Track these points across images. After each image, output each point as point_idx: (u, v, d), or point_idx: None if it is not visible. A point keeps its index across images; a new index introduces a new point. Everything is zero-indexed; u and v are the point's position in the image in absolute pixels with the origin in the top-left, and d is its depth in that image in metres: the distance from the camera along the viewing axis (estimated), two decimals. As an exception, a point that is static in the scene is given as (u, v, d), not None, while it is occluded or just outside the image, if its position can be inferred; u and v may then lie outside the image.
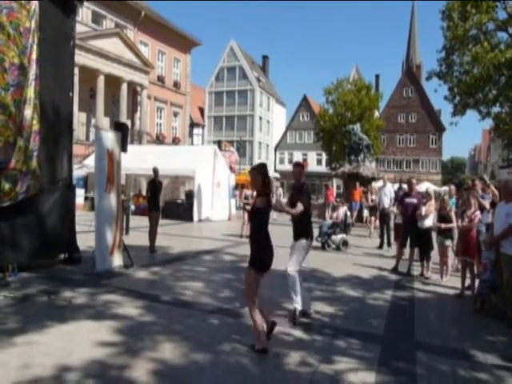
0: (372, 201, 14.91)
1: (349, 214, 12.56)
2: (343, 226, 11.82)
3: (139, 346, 4.18)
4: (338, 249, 11.31)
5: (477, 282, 6.54)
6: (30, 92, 6.46)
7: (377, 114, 44.64)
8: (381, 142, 45.05)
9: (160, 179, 10.40)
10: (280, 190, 13.53)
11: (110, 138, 7.55)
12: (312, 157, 59.64)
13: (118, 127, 8.14)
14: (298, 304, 5.16)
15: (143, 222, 12.61)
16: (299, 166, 5.58)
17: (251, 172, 4.43)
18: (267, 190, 4.30)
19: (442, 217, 7.78)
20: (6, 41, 6.13)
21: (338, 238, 11.45)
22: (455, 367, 4.02)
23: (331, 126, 39.21)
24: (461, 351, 4.47)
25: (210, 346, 4.26)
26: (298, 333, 4.77)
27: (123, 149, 7.88)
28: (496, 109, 19.53)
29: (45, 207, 7.10)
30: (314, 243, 11.47)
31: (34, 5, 6.58)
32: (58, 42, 7.47)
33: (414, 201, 8.60)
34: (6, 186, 6.19)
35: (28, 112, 6.43)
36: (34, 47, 6.55)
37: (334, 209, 13.86)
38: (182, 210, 18.44)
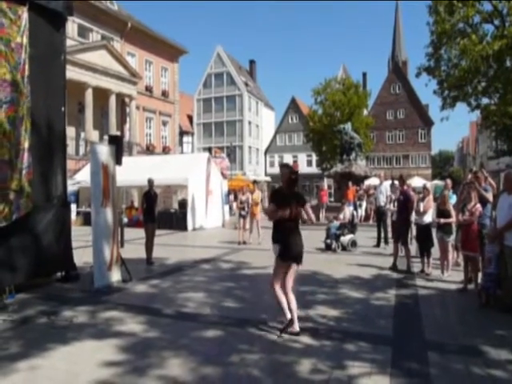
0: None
1: (355, 213, 12.53)
2: (350, 227, 11.80)
3: (146, 363, 4.07)
4: (344, 249, 11.33)
5: (480, 275, 6.54)
6: (24, 109, 6.34)
7: (365, 112, 44.87)
8: (370, 139, 45.24)
9: (155, 190, 10.29)
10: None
11: (104, 151, 7.42)
12: (302, 158, 59.72)
13: (112, 140, 8.02)
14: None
15: (137, 234, 12.51)
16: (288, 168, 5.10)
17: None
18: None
19: (441, 212, 7.76)
20: None
21: (347, 238, 11.45)
22: (469, 365, 3.96)
23: (321, 127, 39.34)
24: (472, 348, 4.42)
25: (218, 359, 4.16)
26: (305, 339, 4.68)
27: (118, 162, 7.76)
28: (485, 100, 19.71)
29: (40, 226, 6.95)
30: (315, 245, 11.64)
31: (25, 20, 6.46)
32: (48, 57, 7.33)
33: (401, 197, 8.66)
34: (1, 206, 6.06)
35: (22, 130, 6.32)
36: (27, 63, 6.44)
37: (332, 209, 13.82)
38: (176, 220, 18.32)
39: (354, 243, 11.52)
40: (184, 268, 9.20)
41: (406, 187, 8.88)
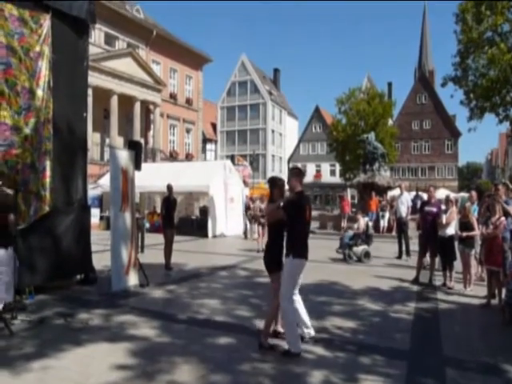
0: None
1: (370, 224, 12.29)
2: (365, 237, 11.58)
3: (156, 368, 4.06)
4: (359, 260, 11.08)
5: (504, 291, 6.31)
6: (44, 115, 6.51)
7: (390, 121, 44.34)
8: (395, 149, 44.61)
9: (174, 196, 10.35)
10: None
11: (123, 156, 7.54)
12: (325, 168, 59.43)
13: (132, 146, 8.15)
14: (288, 343, 4.48)
15: (158, 239, 12.59)
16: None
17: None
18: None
19: (464, 225, 7.54)
20: (18, 65, 6.18)
21: (360, 249, 11.19)
22: (488, 384, 3.81)
23: (344, 136, 39.07)
24: (493, 366, 4.24)
25: (229, 367, 4.12)
26: (319, 350, 4.59)
27: (137, 167, 7.86)
28: None
29: (60, 228, 7.08)
30: (335, 255, 11.50)
31: (46, 28, 6.64)
32: (71, 63, 7.52)
33: (434, 209, 8.34)
34: (23, 209, 6.22)
35: (43, 134, 6.48)
36: (46, 71, 6.60)
37: (352, 220, 13.63)
38: (197, 226, 18.42)
39: (367, 254, 11.21)
40: (201, 274, 9.21)
41: (433, 200, 8.66)
